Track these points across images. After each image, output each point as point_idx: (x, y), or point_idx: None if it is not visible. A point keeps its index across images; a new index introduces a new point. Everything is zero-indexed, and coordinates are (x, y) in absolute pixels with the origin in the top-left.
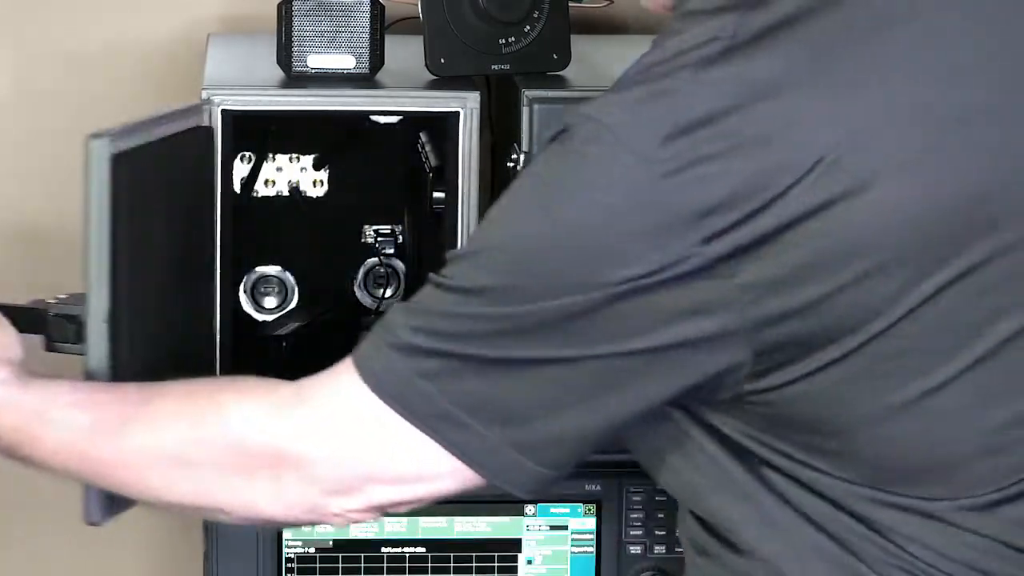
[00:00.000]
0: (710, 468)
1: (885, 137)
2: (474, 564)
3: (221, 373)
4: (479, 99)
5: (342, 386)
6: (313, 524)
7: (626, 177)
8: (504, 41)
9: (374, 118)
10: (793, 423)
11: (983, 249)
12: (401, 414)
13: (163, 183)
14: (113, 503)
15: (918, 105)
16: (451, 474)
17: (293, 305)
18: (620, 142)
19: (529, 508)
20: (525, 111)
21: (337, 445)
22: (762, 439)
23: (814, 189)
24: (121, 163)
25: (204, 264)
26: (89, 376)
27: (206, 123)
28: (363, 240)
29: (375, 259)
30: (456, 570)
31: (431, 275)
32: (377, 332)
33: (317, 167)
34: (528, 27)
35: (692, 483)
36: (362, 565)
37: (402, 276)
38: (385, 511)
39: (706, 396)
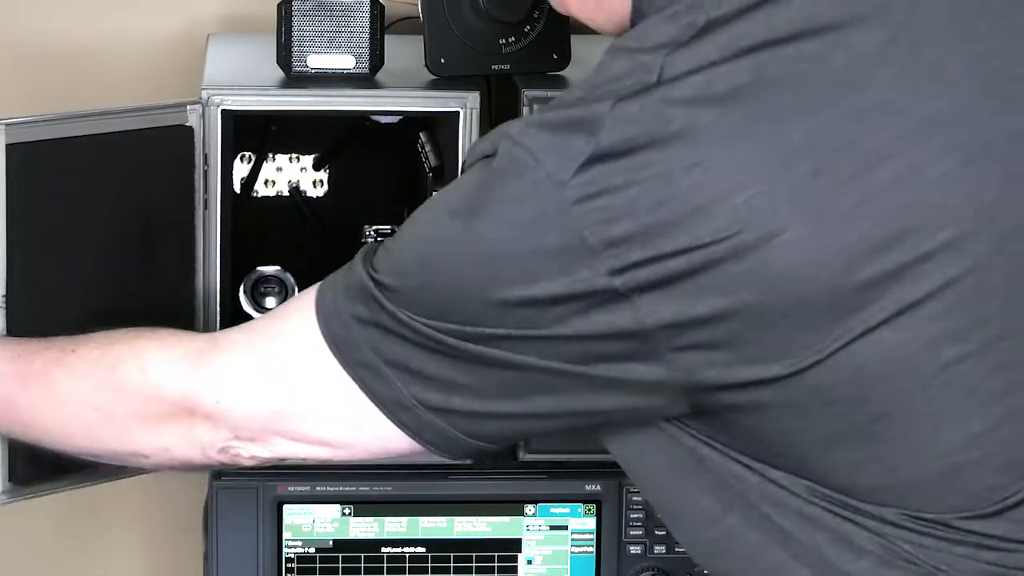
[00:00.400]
0: (668, 447)
1: (795, 181)
2: (474, 564)
3: None
4: (479, 99)
5: (289, 322)
6: (229, 466)
7: (539, 198)
8: (504, 41)
9: (374, 118)
10: (749, 444)
11: (920, 286)
12: (333, 349)
13: (117, 177)
14: (13, 489)
15: (830, 148)
16: (357, 427)
17: None
18: (538, 164)
19: (529, 508)
20: (525, 111)
21: (245, 393)
22: (720, 447)
23: (724, 234)
24: (20, 152)
25: (184, 262)
26: None
27: (189, 123)
28: (363, 240)
29: None
30: (456, 570)
31: (366, 257)
32: (342, 269)
33: (317, 167)
34: (528, 27)
35: (647, 459)
36: (362, 565)
37: None
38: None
39: (657, 412)
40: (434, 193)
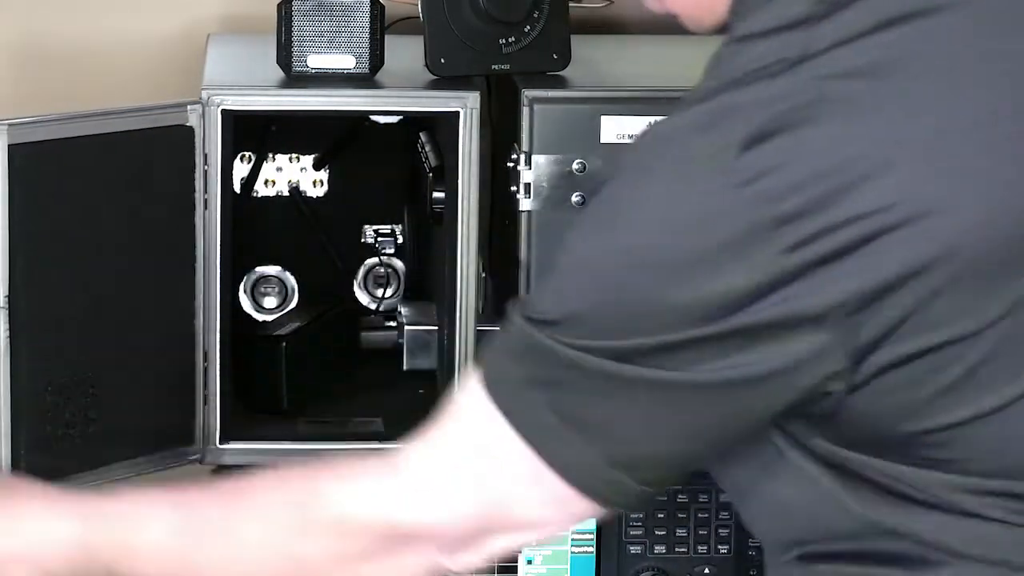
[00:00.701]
0: (802, 483)
1: (951, 150)
2: None
3: (220, 372)
4: (479, 99)
5: (464, 412)
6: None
7: (700, 190)
8: (504, 41)
9: (374, 118)
10: (884, 436)
11: None
12: (510, 422)
13: (118, 177)
14: None
15: (980, 116)
16: (551, 503)
17: (293, 305)
18: (692, 157)
19: None
20: (525, 111)
21: (439, 504)
22: (855, 457)
23: (887, 202)
24: (22, 153)
25: (184, 262)
26: None
27: (189, 123)
28: (363, 240)
29: (375, 259)
30: None
31: (520, 309)
32: (497, 338)
33: (317, 167)
34: (528, 27)
35: (783, 502)
36: None
37: (402, 276)
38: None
39: (803, 410)
40: (434, 194)
